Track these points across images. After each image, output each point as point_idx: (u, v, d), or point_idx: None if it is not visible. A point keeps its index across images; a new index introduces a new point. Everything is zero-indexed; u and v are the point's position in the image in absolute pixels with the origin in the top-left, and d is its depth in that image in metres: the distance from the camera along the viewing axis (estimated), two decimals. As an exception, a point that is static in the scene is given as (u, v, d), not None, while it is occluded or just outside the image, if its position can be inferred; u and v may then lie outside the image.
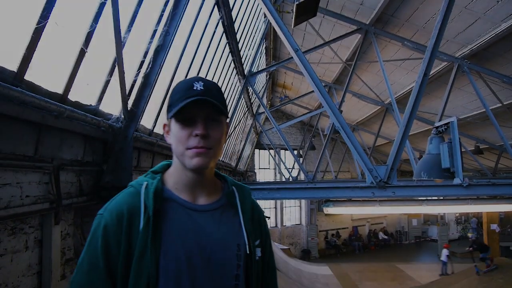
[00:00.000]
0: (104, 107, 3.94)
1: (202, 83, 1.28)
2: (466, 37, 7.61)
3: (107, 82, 3.86)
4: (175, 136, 1.28)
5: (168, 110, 1.29)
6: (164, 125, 1.36)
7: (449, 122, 5.18)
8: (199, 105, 1.24)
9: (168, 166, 1.42)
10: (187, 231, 1.25)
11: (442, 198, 9.54)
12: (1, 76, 2.32)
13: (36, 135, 2.81)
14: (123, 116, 4.07)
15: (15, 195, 2.62)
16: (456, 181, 5.01)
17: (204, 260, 1.23)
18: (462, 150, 5.16)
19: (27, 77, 2.60)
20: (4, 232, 2.54)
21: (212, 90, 1.30)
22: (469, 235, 15.87)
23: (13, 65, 2.47)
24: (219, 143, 1.31)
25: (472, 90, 8.56)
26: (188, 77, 1.47)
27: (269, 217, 17.32)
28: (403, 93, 11.46)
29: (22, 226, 2.75)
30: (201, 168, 1.27)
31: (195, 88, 1.27)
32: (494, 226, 16.95)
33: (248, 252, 1.32)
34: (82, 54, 3.21)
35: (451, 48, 8.23)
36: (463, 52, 8.08)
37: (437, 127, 5.37)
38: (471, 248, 15.61)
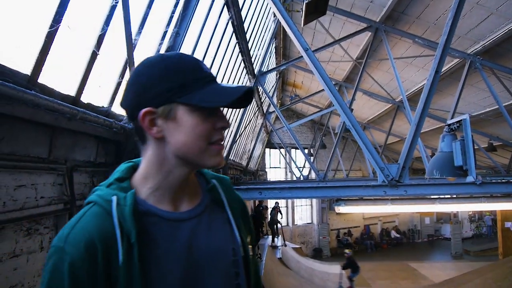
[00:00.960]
0: (116, 109, 3.97)
1: (205, 65, 1.10)
2: (478, 33, 7.53)
3: (118, 84, 3.90)
4: (194, 128, 1.01)
5: (178, 94, 1.00)
6: (147, 113, 1.00)
7: (461, 120, 5.13)
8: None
9: (133, 169, 1.13)
10: (176, 250, 1.02)
11: (455, 196, 9.44)
12: (15, 80, 2.35)
13: (49, 137, 2.84)
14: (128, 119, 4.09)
15: (30, 196, 2.66)
16: (469, 179, 4.96)
17: (202, 278, 1.04)
18: (475, 147, 5.11)
19: (41, 80, 2.64)
20: (20, 233, 2.58)
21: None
22: (347, 251, 14.19)
23: (26, 69, 2.51)
24: None
25: (485, 87, 8.48)
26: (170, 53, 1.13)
27: (281, 213, 17.26)
28: (415, 90, 11.38)
29: (37, 227, 2.79)
30: (220, 166, 1.09)
31: (205, 70, 1.07)
32: (509, 224, 16.74)
33: (243, 254, 1.16)
34: (94, 56, 3.24)
35: (463, 45, 8.15)
36: (476, 49, 7.99)
37: (449, 125, 5.32)
38: (343, 268, 14.14)
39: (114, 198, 0.98)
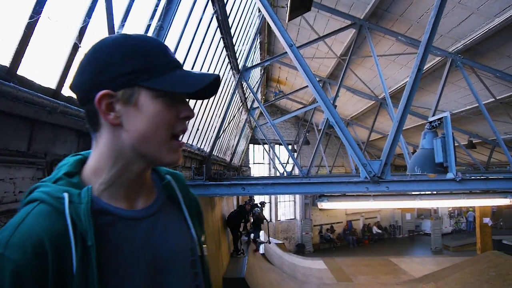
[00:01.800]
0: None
1: (171, 51, 0.99)
2: (459, 32, 7.63)
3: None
4: (155, 116, 0.91)
5: (142, 77, 0.90)
6: (105, 96, 0.89)
7: (442, 117, 5.21)
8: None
9: (81, 162, 0.99)
10: (135, 254, 0.92)
11: (435, 192, 9.59)
12: (-6, 71, 2.30)
13: (29, 130, 2.79)
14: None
15: (8, 191, 2.61)
16: (449, 175, 5.04)
17: (164, 281, 0.97)
18: (455, 144, 5.20)
19: (20, 72, 2.59)
20: (-2, 228, 2.53)
21: None
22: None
23: (5, 60, 2.45)
24: None
25: (466, 85, 8.61)
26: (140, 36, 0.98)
27: (265, 203, 17.30)
28: (397, 88, 11.50)
29: (16, 222, 2.74)
30: (176, 165, 0.99)
31: (171, 55, 0.97)
32: (487, 220, 17.10)
33: (200, 254, 1.10)
34: (75, 49, 3.19)
35: (444, 43, 8.26)
36: (457, 47, 8.11)
37: (430, 122, 5.40)
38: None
39: (66, 195, 0.86)
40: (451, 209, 26.93)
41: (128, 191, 0.97)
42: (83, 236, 0.82)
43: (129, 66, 0.90)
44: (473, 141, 12.93)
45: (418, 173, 5.20)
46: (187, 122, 1.00)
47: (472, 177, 5.24)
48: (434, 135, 5.25)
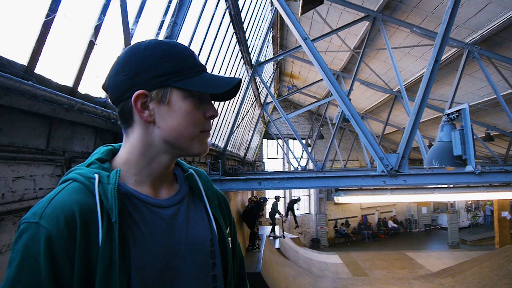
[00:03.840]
0: (114, 99, 3.94)
1: (197, 56, 1.09)
2: (476, 22, 7.49)
3: (116, 74, 3.86)
4: (187, 114, 1.01)
5: (173, 78, 1.00)
6: (140, 95, 0.99)
7: (460, 109, 5.13)
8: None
9: (113, 152, 1.11)
10: (156, 235, 0.99)
11: (452, 186, 9.47)
12: (12, 70, 2.32)
13: (47, 128, 2.82)
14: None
15: (28, 188, 2.64)
16: (468, 168, 4.97)
17: (180, 268, 1.02)
18: (473, 137, 5.12)
19: (37, 70, 2.61)
20: (19, 225, 2.56)
21: None
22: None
23: (23, 59, 2.47)
24: None
25: (483, 76, 8.47)
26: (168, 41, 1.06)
27: (279, 197, 17.33)
28: (412, 80, 11.36)
29: (36, 219, 2.78)
30: (204, 155, 1.09)
31: (198, 60, 1.07)
32: (505, 214, 16.86)
33: (221, 245, 1.15)
34: (91, 46, 3.21)
35: (461, 34, 8.12)
36: (474, 38, 7.96)
37: (448, 114, 5.32)
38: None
39: (96, 176, 0.95)
40: (469, 202, 26.60)
41: (154, 180, 1.06)
42: (109, 213, 0.90)
43: (163, 68, 0.99)
44: (491, 134, 12.73)
45: (436, 166, 5.14)
46: (211, 121, 1.09)
47: (492, 170, 5.15)
48: (452, 127, 5.18)
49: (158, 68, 0.99)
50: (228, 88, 1.01)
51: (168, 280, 0.98)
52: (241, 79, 1.06)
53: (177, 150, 1.05)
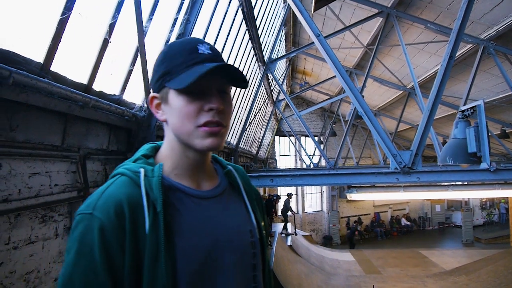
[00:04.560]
0: (128, 97, 3.98)
1: (208, 46, 1.08)
2: (492, 18, 7.38)
3: (130, 72, 3.90)
4: (180, 111, 1.03)
5: (166, 79, 1.05)
6: (153, 98, 1.10)
7: (475, 106, 5.06)
8: (214, 74, 1.01)
9: (156, 148, 1.18)
10: (199, 225, 1.04)
11: (466, 183, 9.39)
12: (29, 68, 2.36)
13: (62, 125, 2.86)
14: (146, 105, 4.11)
15: (44, 184, 2.68)
16: (483, 165, 4.92)
17: (222, 256, 1.05)
18: (488, 134, 5.05)
19: (53, 68, 2.65)
20: (35, 220, 2.61)
21: (220, 56, 1.11)
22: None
23: (39, 57, 2.51)
24: (230, 119, 1.13)
25: (498, 73, 8.34)
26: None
27: (292, 194, 17.38)
28: (426, 77, 11.23)
29: (52, 214, 2.82)
30: (214, 149, 1.07)
31: (201, 51, 1.05)
32: (520, 211, 16.64)
33: (259, 236, 1.19)
34: (105, 44, 3.24)
35: (476, 30, 8.00)
36: (489, 34, 7.84)
37: (463, 111, 5.26)
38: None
39: (142, 170, 1.02)
40: (484, 200, 26.26)
41: (191, 173, 1.12)
42: (154, 204, 0.97)
43: (160, 71, 1.07)
44: (506, 131, 12.54)
45: (450, 163, 5.08)
46: (214, 112, 1.04)
47: (507, 167, 5.08)
48: (466, 124, 5.11)
49: (157, 71, 1.08)
50: (189, 81, 0.98)
51: (211, 268, 1.02)
52: (221, 64, 1.01)
53: (187, 146, 1.08)
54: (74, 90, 2.72)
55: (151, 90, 1.11)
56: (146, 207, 0.96)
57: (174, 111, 1.04)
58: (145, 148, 1.16)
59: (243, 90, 9.94)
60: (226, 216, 1.12)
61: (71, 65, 2.97)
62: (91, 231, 0.90)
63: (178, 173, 1.10)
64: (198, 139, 1.04)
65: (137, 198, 0.97)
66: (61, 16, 2.54)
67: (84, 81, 3.16)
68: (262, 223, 1.26)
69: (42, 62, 2.52)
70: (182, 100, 1.03)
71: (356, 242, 21.77)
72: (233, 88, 1.18)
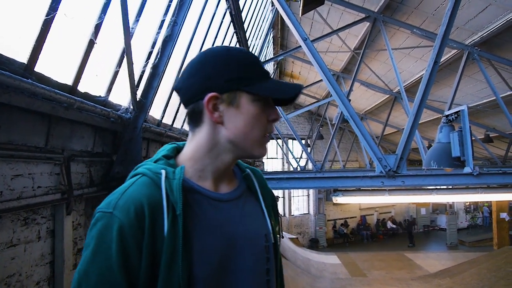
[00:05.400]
0: (113, 98, 3.95)
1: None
2: (476, 24, 7.49)
3: (116, 73, 3.87)
4: (253, 117, 1.07)
5: (244, 83, 1.06)
6: (215, 97, 1.05)
7: (459, 111, 5.13)
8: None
9: (177, 149, 1.18)
10: (216, 228, 1.05)
11: (451, 187, 9.48)
12: (12, 68, 2.33)
13: (46, 126, 2.83)
14: (132, 107, 4.09)
15: (27, 186, 2.65)
16: (467, 170, 4.97)
17: (237, 259, 1.06)
18: (472, 138, 5.12)
19: (37, 68, 2.61)
20: (17, 222, 2.57)
21: None
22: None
23: (23, 57, 2.48)
24: None
25: (482, 78, 8.46)
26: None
27: (278, 197, 17.33)
28: (412, 81, 11.35)
29: (35, 217, 2.79)
30: (263, 157, 1.17)
31: (263, 66, 1.15)
32: (504, 215, 16.86)
33: (273, 241, 1.20)
34: (91, 45, 3.21)
35: (461, 36, 8.12)
36: (473, 39, 7.95)
37: (447, 116, 5.33)
38: None
39: (163, 172, 1.03)
40: (468, 203, 26.59)
41: (215, 177, 1.12)
42: (174, 206, 0.98)
43: (233, 73, 1.06)
44: (490, 135, 12.73)
45: (434, 168, 5.14)
46: (274, 124, 1.14)
47: (490, 171, 5.15)
48: (450, 129, 5.18)
49: (230, 73, 1.06)
50: (294, 93, 1.08)
51: (226, 271, 1.03)
52: (303, 86, 1.10)
53: (240, 151, 1.11)
54: (58, 91, 2.69)
55: (206, 89, 1.06)
56: (165, 209, 0.97)
57: (245, 116, 1.07)
58: (166, 149, 1.17)
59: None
60: (243, 220, 1.14)
61: (56, 66, 2.94)
62: (110, 230, 0.92)
63: (202, 175, 1.11)
64: (260, 146, 1.11)
65: (158, 200, 0.98)
66: (46, 16, 2.51)
67: (69, 82, 3.13)
68: (277, 228, 1.28)
69: (26, 63, 2.49)
70: (257, 107, 1.07)
71: (342, 245, 21.84)
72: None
